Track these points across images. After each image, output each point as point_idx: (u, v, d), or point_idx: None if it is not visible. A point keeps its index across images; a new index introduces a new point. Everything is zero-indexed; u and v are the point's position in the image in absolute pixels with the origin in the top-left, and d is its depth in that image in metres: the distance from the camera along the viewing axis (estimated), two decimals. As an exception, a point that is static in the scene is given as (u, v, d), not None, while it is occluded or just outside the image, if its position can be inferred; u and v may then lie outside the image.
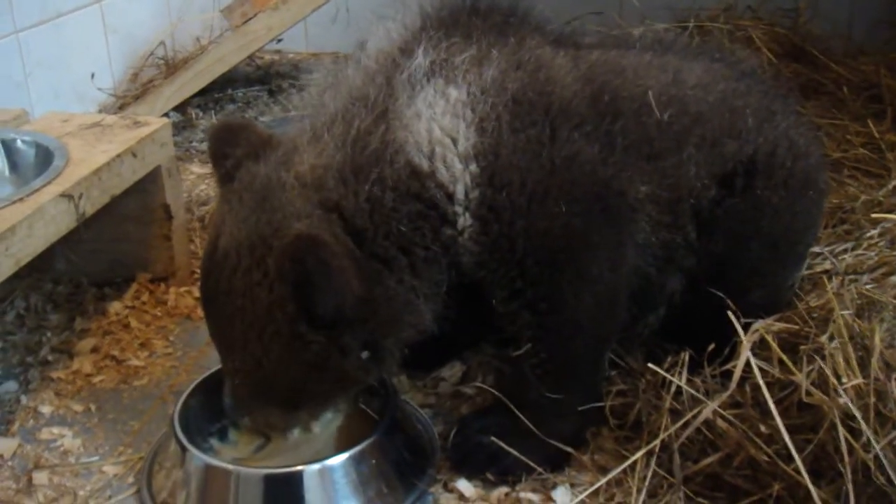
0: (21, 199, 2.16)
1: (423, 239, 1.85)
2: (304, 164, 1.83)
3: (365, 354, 1.83)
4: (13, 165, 2.52)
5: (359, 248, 1.78)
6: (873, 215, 2.60)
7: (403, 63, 1.90)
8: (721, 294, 1.96)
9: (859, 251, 2.38)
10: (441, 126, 1.85)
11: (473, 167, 1.85)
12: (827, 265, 2.32)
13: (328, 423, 2.08)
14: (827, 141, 3.23)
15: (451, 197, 1.85)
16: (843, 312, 1.90)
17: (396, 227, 1.81)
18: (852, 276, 2.20)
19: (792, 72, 3.76)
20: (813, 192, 2.16)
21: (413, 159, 1.83)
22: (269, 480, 1.87)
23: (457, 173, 1.84)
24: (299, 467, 1.87)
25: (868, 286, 2.09)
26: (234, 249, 1.80)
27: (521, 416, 1.95)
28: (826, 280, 2.12)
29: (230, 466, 1.90)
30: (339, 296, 1.71)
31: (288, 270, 1.68)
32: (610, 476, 1.90)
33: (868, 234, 2.48)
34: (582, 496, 1.88)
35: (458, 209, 1.86)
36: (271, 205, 1.79)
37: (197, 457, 1.92)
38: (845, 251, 2.39)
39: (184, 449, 1.93)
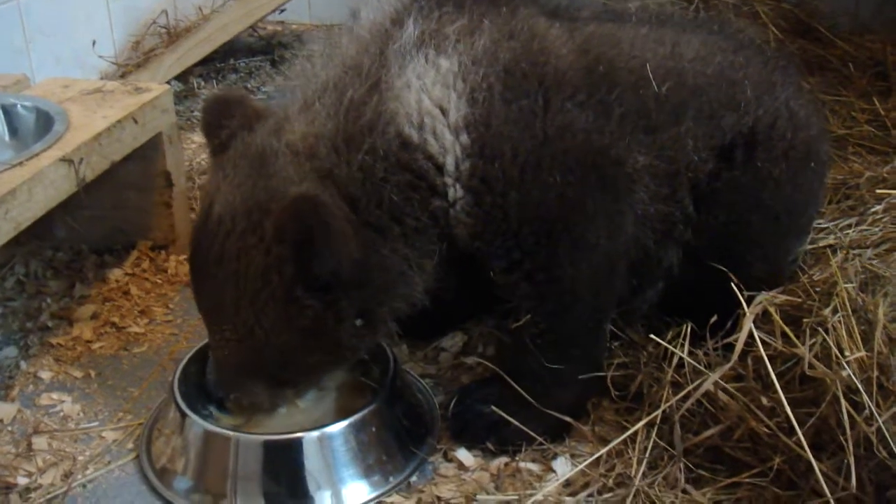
0: (21, 164, 2.15)
1: (413, 209, 1.84)
2: (295, 133, 1.82)
3: (359, 322, 1.83)
4: (13, 130, 2.51)
5: (354, 215, 1.77)
6: (878, 191, 2.59)
7: (395, 33, 1.88)
8: (722, 267, 1.95)
9: (863, 226, 2.38)
10: (431, 97, 1.83)
11: (464, 138, 1.83)
12: (831, 240, 2.31)
13: (315, 401, 2.08)
14: (832, 117, 3.23)
15: (440, 168, 1.84)
16: (846, 286, 1.89)
17: (388, 196, 1.80)
18: (856, 251, 2.19)
19: (798, 48, 3.74)
20: (815, 164, 2.14)
21: (403, 130, 1.82)
22: (269, 447, 1.87)
23: (447, 144, 1.83)
24: (299, 434, 1.87)
25: (872, 261, 2.08)
26: (229, 215, 1.78)
27: (518, 388, 1.95)
28: (830, 254, 2.11)
29: (230, 433, 1.90)
30: (338, 257, 1.71)
31: (289, 230, 1.67)
32: (610, 446, 1.90)
33: (872, 210, 2.47)
34: (581, 466, 1.88)
35: (449, 181, 1.85)
36: (267, 171, 1.79)
37: (197, 423, 1.92)
38: (849, 226, 2.38)
39: (183, 415, 1.93)
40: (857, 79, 3.58)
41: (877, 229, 2.35)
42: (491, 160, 1.83)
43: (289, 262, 1.71)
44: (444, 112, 1.83)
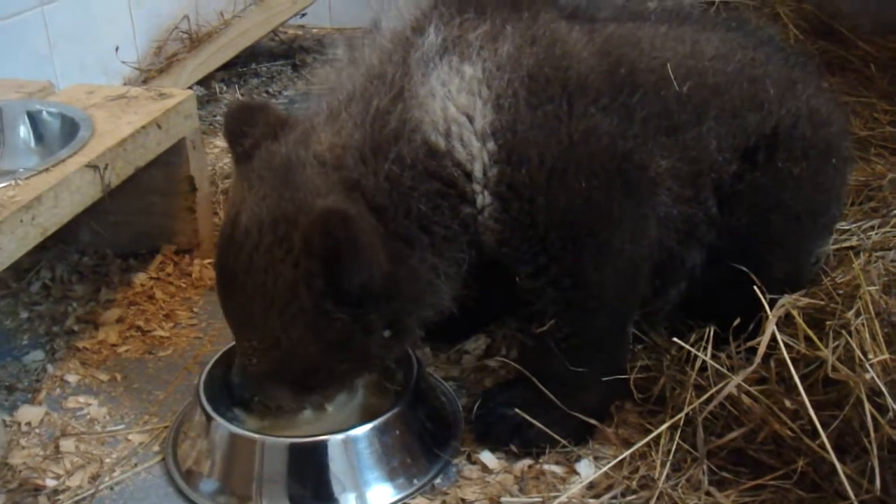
0: (47, 170, 2.17)
1: (442, 217, 1.83)
2: (322, 144, 1.82)
3: (387, 333, 1.83)
4: (39, 137, 2.53)
5: (382, 226, 1.77)
6: (901, 193, 2.58)
7: (416, 41, 1.88)
8: (744, 269, 1.95)
9: (886, 228, 2.37)
10: (456, 104, 1.84)
11: (491, 145, 1.83)
12: (853, 241, 2.30)
13: (342, 404, 2.09)
14: (854, 119, 3.22)
15: (469, 175, 1.84)
16: (869, 288, 1.89)
17: (416, 205, 1.80)
18: (879, 253, 2.18)
19: (819, 49, 3.73)
20: (836, 161, 2.13)
21: (430, 138, 1.82)
22: (294, 449, 1.88)
23: (474, 151, 1.83)
24: (324, 437, 1.88)
25: (895, 263, 2.08)
26: (256, 227, 1.77)
27: (544, 389, 1.95)
28: (852, 256, 2.10)
29: (255, 435, 1.91)
30: (368, 271, 1.70)
31: (317, 245, 1.66)
32: (633, 449, 1.90)
33: (895, 212, 2.46)
34: (605, 468, 1.89)
35: (477, 187, 1.85)
36: (294, 183, 1.78)
37: (222, 426, 1.93)
38: (872, 228, 2.37)
39: (209, 418, 1.95)
40: (879, 79, 3.57)
41: (900, 231, 2.35)
42: (518, 166, 1.83)
43: (318, 276, 1.70)
44: (470, 119, 1.83)
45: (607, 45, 1.97)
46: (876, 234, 2.35)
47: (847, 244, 2.31)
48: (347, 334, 1.78)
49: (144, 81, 3.83)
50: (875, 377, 1.68)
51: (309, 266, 1.71)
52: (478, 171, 1.84)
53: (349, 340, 1.79)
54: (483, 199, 1.86)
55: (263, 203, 1.78)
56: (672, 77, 1.95)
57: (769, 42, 2.25)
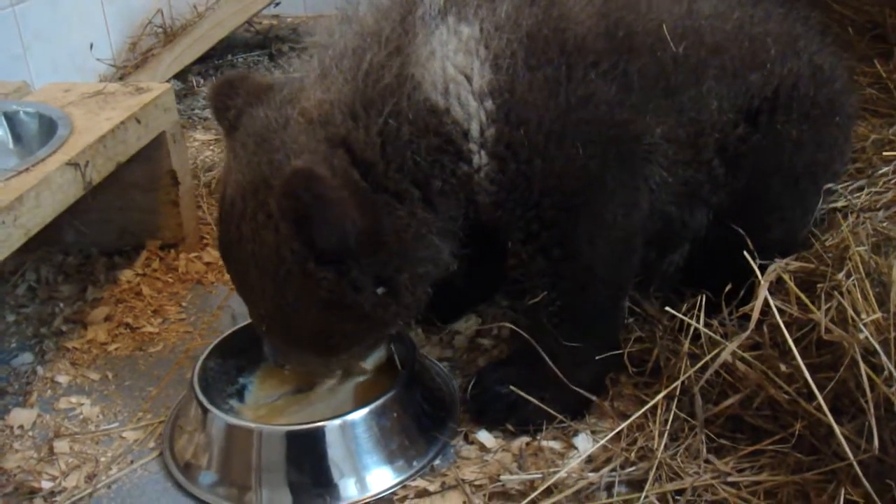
0: (27, 169, 2.14)
1: (441, 171, 1.83)
2: (310, 100, 1.81)
3: (380, 290, 1.82)
4: (17, 137, 2.51)
5: (366, 181, 1.75)
6: (885, 153, 2.58)
7: (417, 1, 1.87)
8: (741, 231, 1.95)
9: (872, 189, 2.37)
10: (454, 64, 1.82)
11: (489, 104, 1.82)
12: (841, 203, 2.30)
13: (335, 389, 2.10)
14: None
15: (466, 134, 1.83)
16: (858, 249, 1.88)
17: (412, 159, 1.79)
18: (867, 215, 2.18)
19: (796, 13, 3.72)
20: (840, 119, 2.13)
21: (430, 96, 1.81)
22: (292, 437, 1.87)
23: (472, 111, 1.82)
24: (321, 423, 1.88)
25: (882, 223, 2.08)
26: (240, 196, 1.79)
27: (546, 360, 1.93)
28: (840, 218, 2.10)
29: (252, 425, 1.91)
30: (340, 228, 1.69)
31: (287, 207, 1.66)
32: (630, 420, 1.90)
33: (881, 172, 2.46)
34: (603, 441, 1.88)
35: (474, 147, 1.84)
36: (272, 145, 1.78)
37: (219, 417, 1.92)
38: (859, 189, 2.37)
39: (205, 411, 1.94)
40: (857, 42, 3.56)
41: (886, 192, 2.34)
42: (516, 126, 1.82)
43: (294, 238, 1.71)
44: (468, 79, 1.82)
45: (605, 6, 1.95)
46: (863, 195, 2.35)
47: (834, 206, 2.31)
48: (339, 293, 1.77)
49: (121, 78, 3.80)
50: (868, 336, 1.68)
51: (285, 230, 1.71)
52: (475, 130, 1.83)
53: (341, 299, 1.78)
54: (480, 158, 1.85)
55: (245, 170, 1.79)
56: (668, 38, 1.93)
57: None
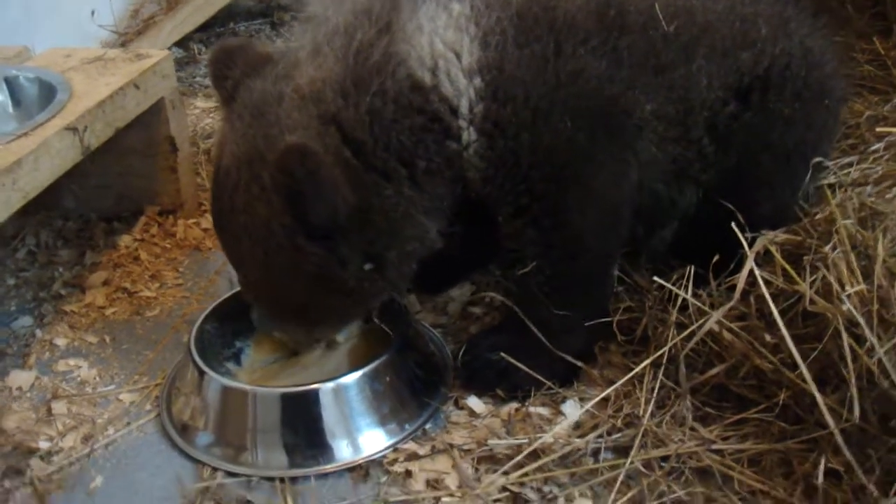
0: (26, 134, 2.16)
1: (425, 151, 1.85)
2: (303, 77, 1.83)
3: (367, 266, 1.85)
4: (17, 102, 2.53)
5: (356, 159, 1.79)
6: (878, 130, 2.58)
7: None
8: (731, 207, 1.96)
9: (864, 165, 2.38)
10: (444, 40, 1.84)
11: (478, 81, 1.84)
12: (831, 179, 2.32)
13: (350, 337, 2.13)
14: (832, 58, 3.21)
15: (454, 111, 1.85)
16: (845, 222, 1.90)
17: (397, 138, 1.81)
18: (857, 190, 2.20)
19: (795, -10, 3.71)
20: (829, 101, 2.14)
21: (415, 73, 1.82)
22: (286, 399, 1.91)
23: (461, 87, 1.84)
24: (315, 385, 1.91)
25: (871, 197, 2.09)
26: (235, 166, 1.82)
27: (534, 329, 1.97)
28: (829, 192, 2.12)
29: (247, 387, 1.94)
30: (331, 204, 1.73)
31: (280, 182, 1.70)
32: (616, 385, 1.93)
33: (872, 148, 2.47)
34: (588, 406, 1.91)
35: (463, 123, 1.86)
36: (267, 119, 1.80)
37: (215, 380, 1.96)
38: (850, 165, 2.38)
39: (202, 374, 1.97)
40: (857, 19, 3.56)
41: (877, 167, 2.35)
42: (504, 103, 1.84)
43: (286, 212, 1.74)
44: (457, 55, 1.84)
45: None
46: (854, 170, 2.36)
47: (825, 182, 2.32)
48: (326, 268, 1.81)
49: (122, 45, 3.79)
50: (852, 308, 1.70)
51: (277, 203, 1.74)
52: (464, 107, 1.85)
53: (329, 274, 1.82)
54: (468, 135, 1.87)
55: (241, 142, 1.82)
56: (660, 17, 1.94)
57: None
